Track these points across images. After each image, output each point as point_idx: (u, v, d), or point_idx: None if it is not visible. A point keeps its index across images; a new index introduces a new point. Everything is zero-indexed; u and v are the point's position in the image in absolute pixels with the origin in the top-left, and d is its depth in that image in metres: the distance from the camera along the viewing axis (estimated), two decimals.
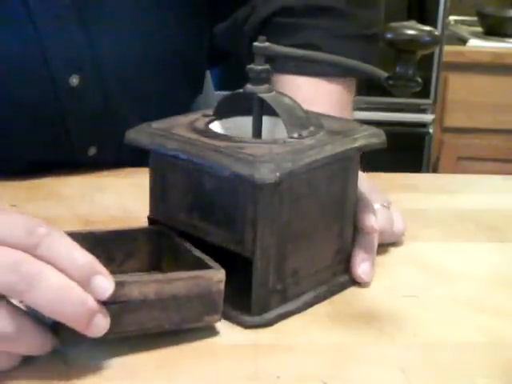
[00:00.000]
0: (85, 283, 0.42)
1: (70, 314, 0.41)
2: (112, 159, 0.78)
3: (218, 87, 1.07)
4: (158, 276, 0.48)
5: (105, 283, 0.42)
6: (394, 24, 0.48)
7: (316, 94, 0.74)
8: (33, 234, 0.42)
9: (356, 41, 0.76)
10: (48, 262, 0.42)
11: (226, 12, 0.82)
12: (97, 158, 0.77)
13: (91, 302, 0.42)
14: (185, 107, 0.77)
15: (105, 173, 0.77)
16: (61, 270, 0.42)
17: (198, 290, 0.46)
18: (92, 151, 0.77)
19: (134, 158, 0.62)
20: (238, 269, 0.49)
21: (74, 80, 0.72)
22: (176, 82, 0.81)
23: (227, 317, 0.50)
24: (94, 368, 0.44)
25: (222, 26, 0.83)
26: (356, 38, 0.76)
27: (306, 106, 0.56)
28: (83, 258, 0.42)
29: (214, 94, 0.96)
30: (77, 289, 0.42)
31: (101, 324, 0.42)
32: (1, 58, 0.69)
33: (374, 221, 0.56)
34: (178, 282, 0.46)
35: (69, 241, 0.43)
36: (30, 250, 0.42)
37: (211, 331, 0.49)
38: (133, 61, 0.75)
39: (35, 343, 0.43)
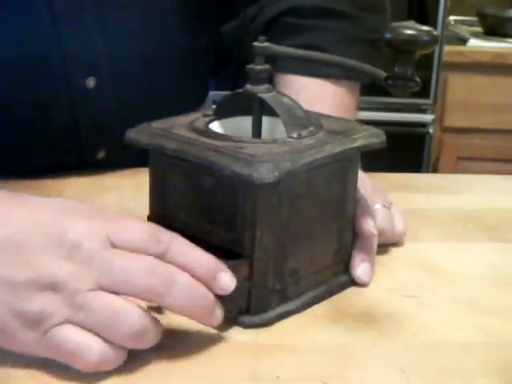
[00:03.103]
0: (211, 280, 0.46)
1: (200, 309, 0.45)
2: (119, 162, 0.78)
3: (218, 87, 1.07)
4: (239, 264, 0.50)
5: (228, 279, 0.46)
6: (392, 24, 0.48)
7: (320, 94, 0.74)
8: (160, 242, 0.45)
9: (361, 44, 0.76)
10: (177, 265, 0.45)
11: (234, 11, 0.82)
12: (105, 160, 0.78)
13: (212, 296, 0.46)
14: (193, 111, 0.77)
15: (107, 173, 0.77)
16: (189, 271, 0.45)
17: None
18: (101, 154, 0.78)
19: (140, 159, 0.63)
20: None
21: (91, 82, 0.73)
22: (186, 85, 0.82)
23: (227, 317, 0.50)
24: None
25: (229, 26, 0.84)
26: (361, 41, 0.76)
27: (308, 107, 0.56)
28: (207, 259, 0.46)
29: (209, 97, 0.96)
30: (202, 286, 0.45)
31: (219, 314, 0.47)
32: (20, 59, 0.70)
33: (373, 226, 0.56)
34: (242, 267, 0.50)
35: (189, 243, 0.46)
36: (160, 256, 0.45)
37: (211, 331, 0.49)
38: (146, 64, 0.77)
39: (155, 339, 0.45)
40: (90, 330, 0.43)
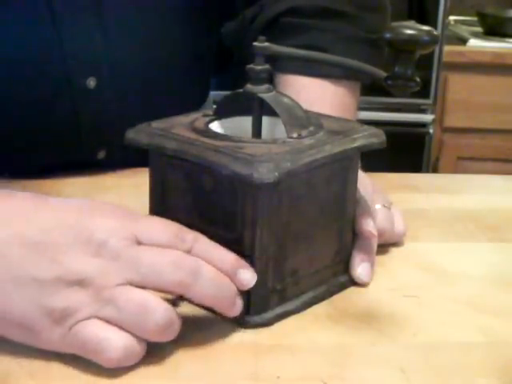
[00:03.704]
0: (233, 275, 0.47)
1: (223, 300, 0.47)
2: (119, 162, 0.78)
3: (218, 87, 1.07)
4: None
5: (250, 275, 0.48)
6: (392, 24, 0.48)
7: (320, 94, 0.74)
8: (185, 240, 0.46)
9: (361, 44, 0.76)
10: None
11: (234, 11, 0.82)
12: (105, 160, 0.78)
13: (235, 288, 0.48)
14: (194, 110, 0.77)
15: (107, 173, 0.77)
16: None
17: None
18: (101, 154, 0.78)
19: (140, 159, 0.63)
20: None
21: (92, 82, 0.73)
22: (187, 85, 0.82)
23: (227, 317, 0.50)
24: (94, 368, 0.44)
25: (229, 26, 0.84)
26: (361, 41, 0.76)
27: (308, 107, 0.56)
28: (230, 255, 0.48)
29: (210, 97, 0.96)
30: (226, 277, 0.47)
31: (240, 305, 0.48)
32: (20, 58, 0.70)
33: (372, 226, 0.56)
34: None
35: (211, 242, 0.48)
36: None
37: (211, 331, 0.49)
38: (147, 64, 0.76)
39: (177, 331, 0.46)
40: (116, 325, 0.44)
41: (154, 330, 0.44)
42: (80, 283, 0.44)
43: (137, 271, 0.44)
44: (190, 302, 0.48)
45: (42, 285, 0.44)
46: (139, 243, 0.45)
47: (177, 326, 0.45)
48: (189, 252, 0.46)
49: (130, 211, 0.48)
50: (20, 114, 0.72)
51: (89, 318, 0.44)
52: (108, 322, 0.44)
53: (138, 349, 0.44)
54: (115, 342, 0.44)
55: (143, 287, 0.44)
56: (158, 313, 0.44)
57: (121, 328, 0.44)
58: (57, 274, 0.44)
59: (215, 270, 0.46)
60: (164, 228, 0.47)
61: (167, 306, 0.45)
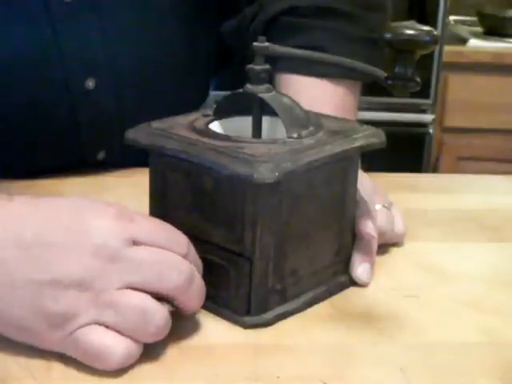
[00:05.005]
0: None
1: (199, 306, 0.48)
2: (119, 162, 0.78)
3: (218, 87, 1.07)
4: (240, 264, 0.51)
5: None
6: (392, 24, 0.48)
7: (320, 94, 0.74)
8: (179, 243, 0.47)
9: (361, 44, 0.76)
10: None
11: (233, 10, 0.82)
12: (105, 161, 0.78)
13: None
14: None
15: (107, 173, 0.77)
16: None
17: None
18: (101, 155, 0.78)
19: (140, 159, 0.63)
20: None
21: (90, 83, 0.73)
22: (186, 85, 0.82)
23: (227, 317, 0.50)
24: (94, 368, 0.44)
25: (228, 25, 0.84)
26: (361, 41, 0.76)
27: (308, 107, 0.56)
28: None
29: (210, 97, 0.96)
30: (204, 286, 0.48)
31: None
32: (18, 59, 0.70)
33: (372, 227, 0.56)
34: None
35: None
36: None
37: (211, 331, 0.49)
38: (145, 64, 0.76)
39: (168, 329, 0.46)
40: (115, 329, 0.44)
41: (153, 333, 0.44)
42: (78, 286, 0.43)
43: (138, 273, 0.44)
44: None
45: (39, 287, 0.43)
46: (136, 244, 0.45)
47: (170, 324, 0.46)
48: (185, 256, 0.46)
49: (121, 208, 0.47)
50: (19, 116, 0.72)
51: (89, 323, 0.43)
52: (107, 326, 0.44)
53: (136, 351, 0.45)
54: (115, 348, 0.43)
55: (142, 289, 0.44)
56: (157, 316, 0.44)
57: (120, 332, 0.44)
58: (53, 276, 0.43)
59: (200, 279, 0.47)
60: (159, 228, 0.47)
61: (163, 309, 0.45)
